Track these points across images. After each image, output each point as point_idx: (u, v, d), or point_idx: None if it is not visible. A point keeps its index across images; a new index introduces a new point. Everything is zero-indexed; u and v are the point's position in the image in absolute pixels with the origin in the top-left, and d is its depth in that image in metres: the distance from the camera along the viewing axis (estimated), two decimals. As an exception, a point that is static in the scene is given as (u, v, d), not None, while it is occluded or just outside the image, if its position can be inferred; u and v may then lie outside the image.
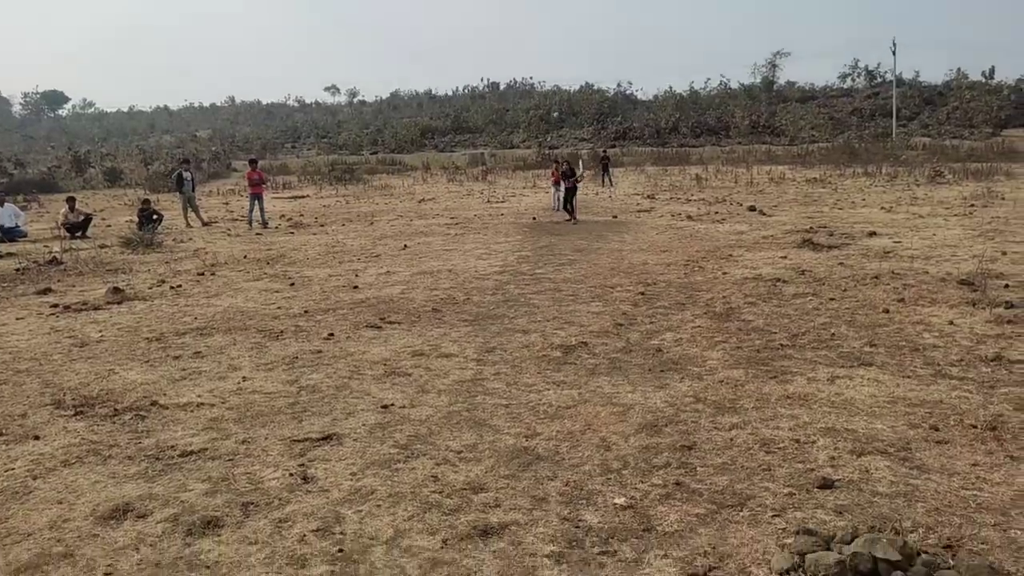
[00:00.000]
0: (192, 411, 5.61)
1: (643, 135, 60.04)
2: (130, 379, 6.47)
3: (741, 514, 3.90)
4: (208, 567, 3.49)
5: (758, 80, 79.36)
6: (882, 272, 10.66)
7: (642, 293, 9.70)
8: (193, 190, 20.11)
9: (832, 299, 9.06)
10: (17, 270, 12.54)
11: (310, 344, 7.47)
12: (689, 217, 19.00)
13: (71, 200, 18.41)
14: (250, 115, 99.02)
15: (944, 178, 29.97)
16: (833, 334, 7.45)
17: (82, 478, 4.49)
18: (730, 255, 12.69)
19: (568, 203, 19.12)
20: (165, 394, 6.02)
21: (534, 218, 20.02)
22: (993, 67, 74.25)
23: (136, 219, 18.29)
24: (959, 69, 76.95)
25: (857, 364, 6.46)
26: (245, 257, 13.64)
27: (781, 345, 7.12)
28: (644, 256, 12.84)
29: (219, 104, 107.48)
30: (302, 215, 22.04)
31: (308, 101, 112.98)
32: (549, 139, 62.67)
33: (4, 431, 5.23)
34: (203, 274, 11.87)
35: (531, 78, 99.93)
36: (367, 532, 3.78)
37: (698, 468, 4.48)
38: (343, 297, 9.84)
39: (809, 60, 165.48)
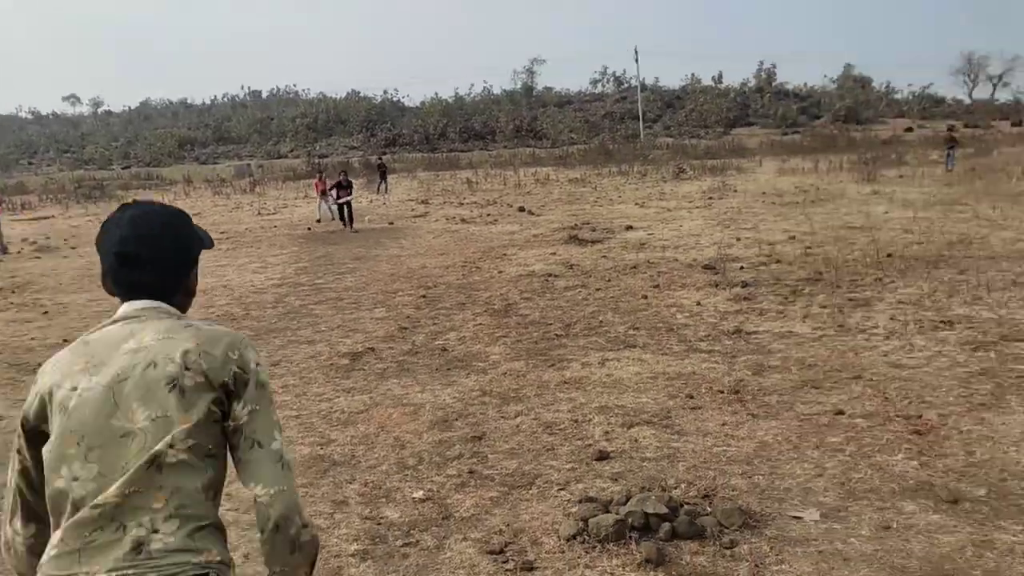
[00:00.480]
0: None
1: (413, 141, 60.65)
2: None
3: (530, 492, 4.22)
4: None
5: (519, 86, 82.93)
6: (639, 262, 11.66)
7: (423, 296, 9.94)
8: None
9: (599, 289, 9.80)
10: None
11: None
12: (463, 220, 19.55)
13: None
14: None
15: (686, 174, 32.99)
16: (601, 321, 8.10)
17: None
18: (504, 254, 13.28)
19: (343, 213, 19.03)
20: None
21: (309, 228, 19.68)
22: (721, 72, 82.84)
23: None
24: (692, 75, 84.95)
25: (623, 347, 7.10)
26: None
27: (556, 335, 7.64)
28: (423, 260, 13.11)
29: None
30: (48, 237, 20.12)
31: (44, 112, 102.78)
32: (318, 147, 61.53)
33: None
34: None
35: (295, 86, 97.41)
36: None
37: (489, 455, 4.76)
38: (107, 322, 9.18)
39: (563, 66, 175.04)
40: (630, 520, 3.69)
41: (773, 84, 79.47)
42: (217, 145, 69.93)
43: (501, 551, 3.61)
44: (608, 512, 3.81)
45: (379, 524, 3.96)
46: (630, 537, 3.62)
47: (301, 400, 6.00)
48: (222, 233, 18.81)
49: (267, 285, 11.37)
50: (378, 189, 30.57)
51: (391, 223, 20.01)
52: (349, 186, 19.53)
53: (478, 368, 6.67)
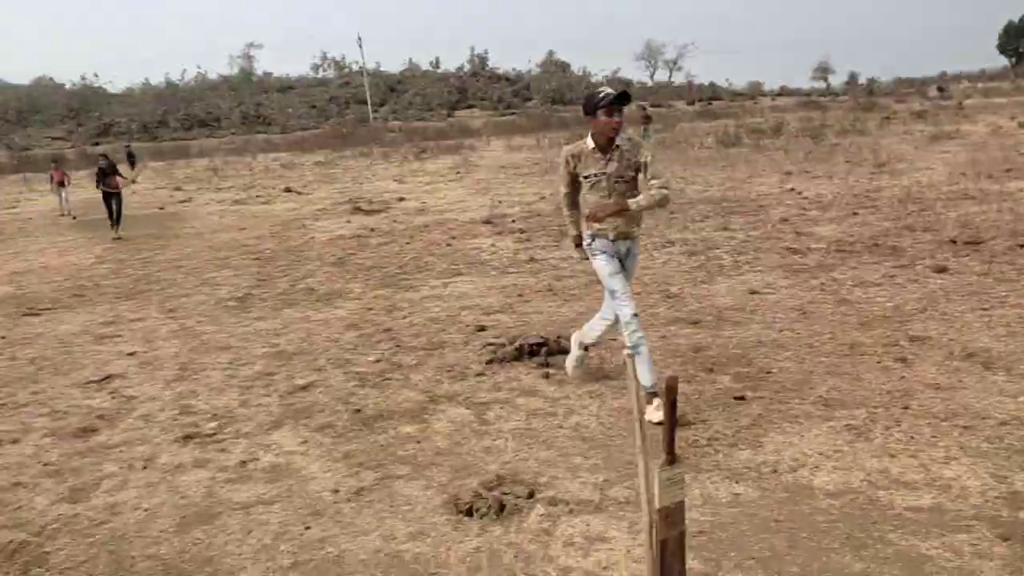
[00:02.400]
0: None
1: (130, 130, 57.33)
2: None
3: (445, 350, 6.37)
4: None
5: (236, 71, 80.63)
6: (428, 223, 13.93)
7: (257, 259, 11.45)
8: None
9: (407, 242, 11.95)
10: None
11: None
12: (236, 201, 20.51)
13: None
14: None
15: (427, 154, 35.60)
16: (426, 262, 10.29)
17: None
18: (303, 225, 14.89)
19: (111, 208, 15.23)
20: None
21: (74, 218, 19.52)
22: (439, 58, 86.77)
23: None
24: (410, 59, 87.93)
25: (453, 275, 9.36)
26: None
27: (396, 273, 9.71)
28: (229, 234, 14.34)
29: None
30: None
31: None
32: (17, 139, 56.01)
33: None
34: None
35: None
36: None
37: (402, 338, 6.82)
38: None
39: (281, 51, 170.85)
40: (523, 346, 6.02)
41: (486, 69, 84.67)
42: None
43: (451, 370, 5.79)
44: (506, 346, 6.11)
45: (356, 374, 5.93)
46: (526, 355, 5.96)
47: (223, 327, 7.58)
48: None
49: (90, 263, 12.12)
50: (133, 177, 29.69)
51: (161, 208, 20.41)
52: (114, 171, 15.49)
53: (351, 296, 8.60)
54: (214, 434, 4.95)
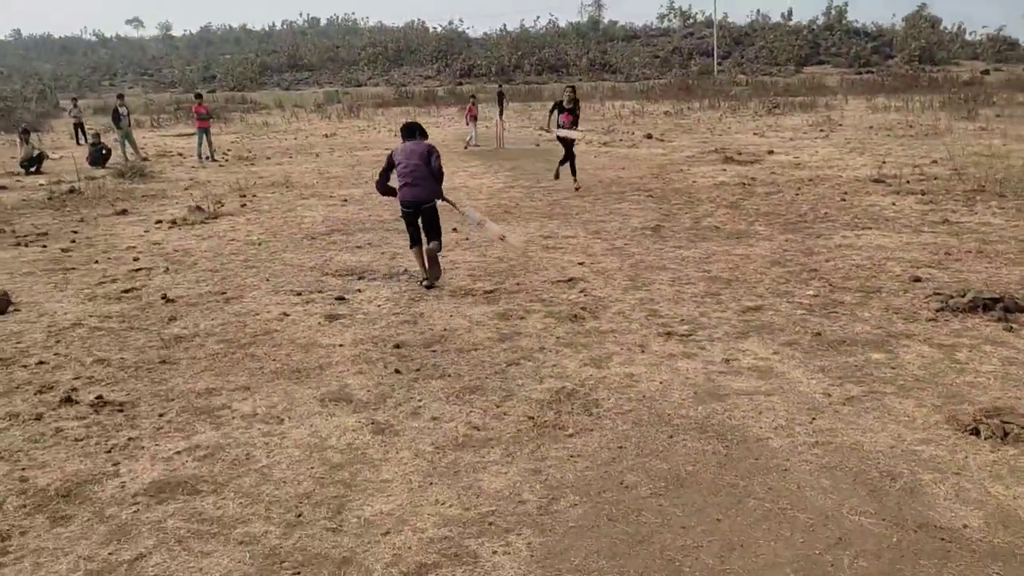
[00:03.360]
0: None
1: (489, 72, 62.09)
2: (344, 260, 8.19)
3: (880, 295, 6.52)
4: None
5: (585, 19, 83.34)
6: (808, 177, 13.78)
7: (650, 195, 12.21)
8: (129, 125, 20.29)
9: (797, 194, 12.00)
10: (49, 198, 13.13)
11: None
12: (604, 144, 21.68)
13: (25, 133, 18.23)
14: (43, 50, 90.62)
15: (779, 110, 34.50)
16: (825, 214, 10.32)
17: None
18: (681, 169, 15.47)
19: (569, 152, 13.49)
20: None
21: (497, 147, 21.90)
22: (791, 9, 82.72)
23: (88, 154, 18.51)
24: (759, 11, 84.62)
25: (862, 229, 9.34)
26: (254, 183, 14.77)
27: (797, 221, 9.88)
28: (612, 172, 15.36)
29: (3, 38, 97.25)
30: (227, 152, 22.55)
31: (108, 35, 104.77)
32: (395, 76, 63.28)
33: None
34: (244, 196, 13.07)
35: (353, 14, 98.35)
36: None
37: (833, 278, 7.07)
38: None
39: (629, 2, 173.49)
40: (978, 299, 6.01)
41: (843, 22, 78.95)
42: (292, 72, 71.88)
43: (899, 311, 5.96)
44: (956, 297, 6.13)
45: (800, 304, 6.31)
46: (980, 309, 5.94)
47: (650, 251, 8.36)
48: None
49: (499, 187, 13.71)
50: (500, 116, 32.55)
51: (537, 144, 22.21)
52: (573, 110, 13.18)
53: (761, 237, 8.97)
54: (689, 334, 5.65)
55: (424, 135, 7.36)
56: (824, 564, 3.00)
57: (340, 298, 6.77)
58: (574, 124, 13.19)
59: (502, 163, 17.49)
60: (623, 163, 16.93)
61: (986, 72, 58.74)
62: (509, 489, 3.62)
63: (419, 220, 7.06)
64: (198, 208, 11.32)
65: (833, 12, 79.41)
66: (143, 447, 4.12)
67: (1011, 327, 5.62)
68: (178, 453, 4.04)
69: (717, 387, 4.72)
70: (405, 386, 4.86)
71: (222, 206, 11.77)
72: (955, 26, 79.30)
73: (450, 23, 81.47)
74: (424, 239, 7.11)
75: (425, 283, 7.10)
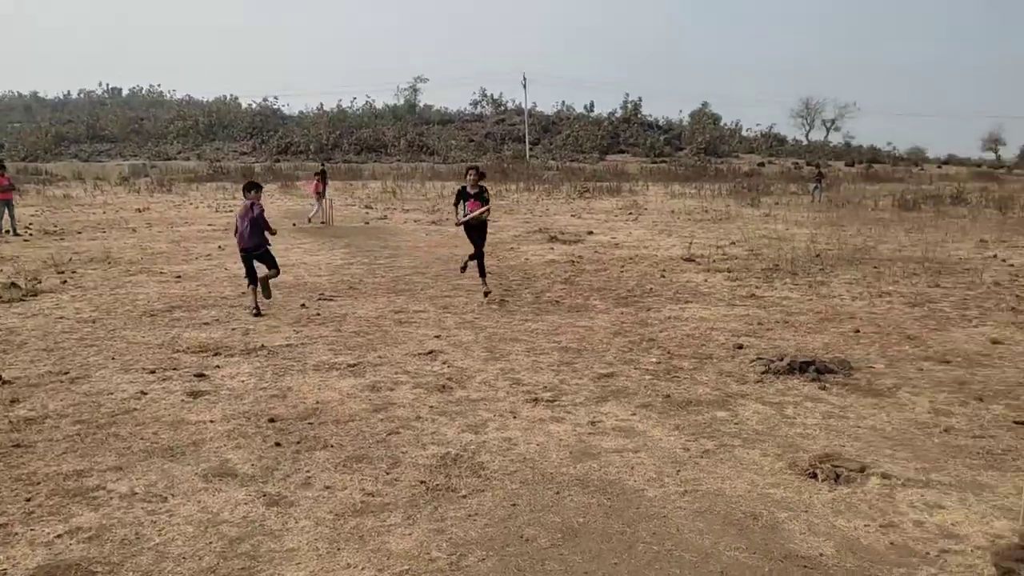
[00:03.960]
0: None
1: (307, 150, 61.76)
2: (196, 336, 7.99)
3: (712, 360, 7.29)
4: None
5: (401, 102, 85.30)
6: (628, 256, 14.93)
7: (489, 273, 12.74)
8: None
9: (622, 271, 12.98)
10: None
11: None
12: (433, 222, 22.25)
13: None
14: None
15: (589, 194, 36.84)
16: (649, 289, 11.27)
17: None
18: (511, 247, 16.24)
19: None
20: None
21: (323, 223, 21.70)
22: (593, 102, 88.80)
23: None
24: (563, 102, 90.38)
25: (684, 302, 10.29)
26: (70, 259, 13.89)
27: (627, 295, 10.72)
28: (446, 249, 15.82)
29: None
30: (29, 226, 20.93)
31: None
32: (208, 151, 61.43)
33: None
34: (63, 272, 12.28)
35: (159, 86, 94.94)
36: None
37: (669, 346, 7.79)
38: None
39: (438, 86, 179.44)
40: (795, 362, 6.87)
41: (638, 116, 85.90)
42: (92, 143, 67.95)
43: (731, 375, 6.69)
44: (777, 361, 6.97)
45: (646, 370, 6.92)
46: (797, 371, 6.80)
47: (499, 324, 8.78)
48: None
49: (340, 263, 13.78)
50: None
51: (366, 223, 22.41)
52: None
53: (598, 311, 9.66)
54: (554, 400, 6.05)
55: (257, 190, 9.54)
56: (713, 594, 3.39)
57: (199, 375, 6.61)
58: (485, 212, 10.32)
59: (334, 240, 17.53)
60: (455, 241, 17.45)
61: (762, 164, 65.80)
62: (417, 549, 3.76)
63: (253, 261, 9.27)
64: (13, 285, 10.52)
65: (629, 106, 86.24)
66: (16, 533, 3.89)
67: (824, 386, 6.46)
68: (59, 537, 3.85)
69: (589, 447, 5.10)
70: (289, 458, 4.87)
71: (40, 283, 11.00)
72: (734, 123, 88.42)
73: (265, 99, 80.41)
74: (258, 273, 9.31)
75: (253, 312, 9.13)
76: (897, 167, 70.00)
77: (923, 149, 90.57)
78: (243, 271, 9.61)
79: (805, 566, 3.62)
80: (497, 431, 5.37)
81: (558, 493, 4.40)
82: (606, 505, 4.24)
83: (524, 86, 73.42)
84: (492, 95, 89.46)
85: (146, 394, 6.10)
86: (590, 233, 19.32)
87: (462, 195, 10.26)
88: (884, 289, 11.22)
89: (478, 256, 10.32)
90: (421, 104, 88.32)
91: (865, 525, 4.03)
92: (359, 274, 12.54)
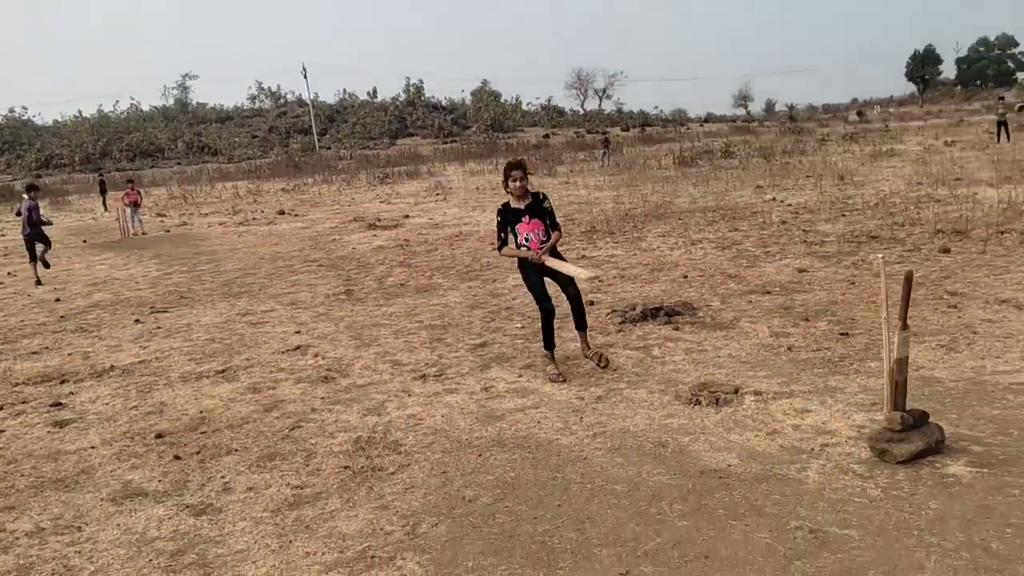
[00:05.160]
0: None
1: (73, 162, 56.68)
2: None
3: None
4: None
5: (171, 102, 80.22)
6: (455, 234, 15.25)
7: (321, 265, 12.58)
8: None
9: (453, 249, 13.26)
10: None
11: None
12: (240, 223, 21.41)
13: None
14: None
15: (390, 179, 36.77)
16: (487, 262, 11.62)
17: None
18: (334, 239, 16.03)
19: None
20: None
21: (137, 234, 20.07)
22: (375, 88, 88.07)
23: None
24: (345, 89, 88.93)
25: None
26: None
27: (467, 271, 11.00)
28: (266, 248, 15.37)
29: None
30: None
31: None
32: (-49, 172, 54.76)
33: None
34: None
35: None
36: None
37: (527, 311, 8.18)
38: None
39: (214, 84, 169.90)
40: (646, 310, 7.47)
41: (422, 98, 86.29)
42: None
43: (593, 329, 7.17)
44: (630, 311, 7.55)
45: (516, 335, 7.26)
46: (649, 317, 7.40)
47: (355, 312, 8.78)
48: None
49: (157, 275, 13.03)
50: (104, 204, 30.09)
51: (167, 231, 21.15)
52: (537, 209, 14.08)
53: (446, 287, 9.88)
54: (441, 374, 6.23)
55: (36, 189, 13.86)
56: (653, 515, 3.76)
57: (56, 404, 6.15)
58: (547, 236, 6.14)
59: (140, 252, 16.46)
60: (272, 239, 16.97)
61: (547, 136, 68.33)
62: (369, 527, 3.85)
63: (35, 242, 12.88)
64: None
65: (412, 89, 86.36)
66: (-78, 594, 3.55)
67: (677, 326, 7.09)
68: (-24, 587, 3.57)
69: (491, 411, 5.35)
70: (196, 469, 4.73)
71: None
72: (514, 99, 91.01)
73: (11, 110, 72.66)
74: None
75: (36, 282, 12.51)
76: (667, 128, 75.28)
77: (685, 110, 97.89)
78: (35, 282, 12.56)
79: (720, 477, 4.08)
80: (398, 410, 5.47)
81: (481, 455, 4.61)
82: (530, 458, 4.51)
83: (304, 76, 71.65)
84: (269, 88, 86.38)
85: (3, 432, 5.61)
86: (407, 217, 19.42)
87: (508, 218, 6.05)
88: (694, 238, 12.27)
89: (571, 301, 6.07)
90: (194, 103, 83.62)
91: (755, 435, 4.58)
92: (184, 282, 11.94)
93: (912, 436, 4.05)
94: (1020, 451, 4.07)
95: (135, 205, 20.77)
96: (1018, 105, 49.92)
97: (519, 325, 7.61)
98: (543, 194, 6.12)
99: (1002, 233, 10.12)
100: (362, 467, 4.55)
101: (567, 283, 5.98)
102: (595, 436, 4.76)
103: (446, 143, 64.70)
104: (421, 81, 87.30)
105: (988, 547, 3.21)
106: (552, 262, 5.95)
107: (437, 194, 26.45)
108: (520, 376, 6.04)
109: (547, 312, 5.91)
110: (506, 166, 5.99)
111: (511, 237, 6.06)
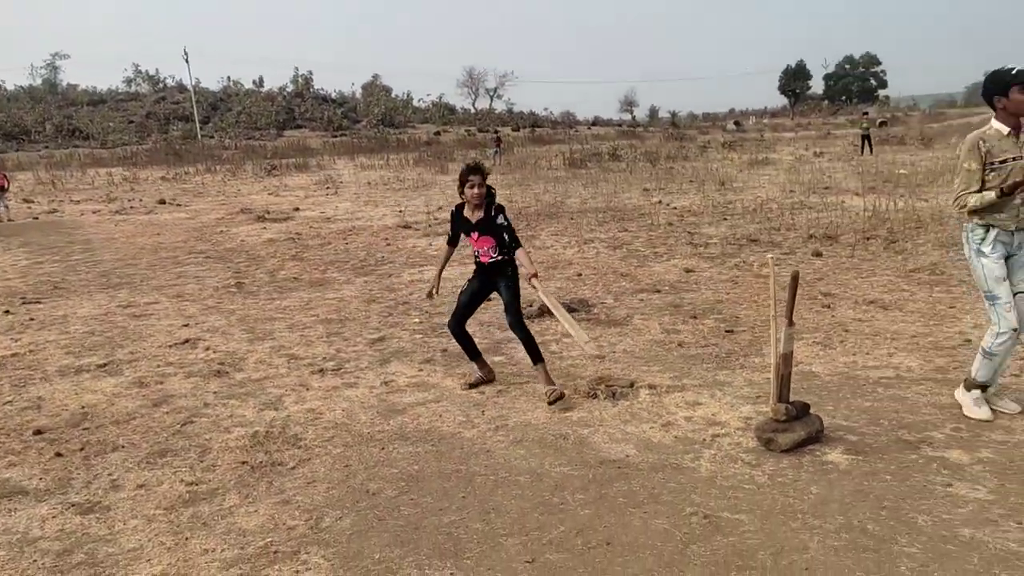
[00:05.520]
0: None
1: (-76, 141, 52.38)
2: None
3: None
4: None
5: (39, 82, 75.46)
6: (349, 228, 15.05)
7: (208, 257, 12.17)
8: None
9: (347, 243, 13.09)
10: None
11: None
12: (117, 212, 20.39)
13: None
14: None
15: (277, 171, 35.80)
16: (381, 257, 11.54)
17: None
18: (221, 230, 15.51)
19: None
20: None
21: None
22: (262, 77, 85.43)
23: None
24: (229, 77, 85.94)
25: (421, 266, 10.70)
26: None
27: (362, 265, 10.89)
28: (146, 239, 14.71)
29: None
30: None
31: None
32: None
33: None
34: None
35: None
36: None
37: (423, 307, 8.18)
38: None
39: (85, 65, 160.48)
40: (543, 307, 7.61)
41: (311, 90, 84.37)
42: None
43: (490, 325, 7.26)
44: (527, 308, 7.66)
45: (414, 331, 7.26)
46: (547, 313, 7.54)
47: (248, 306, 8.55)
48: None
49: (26, 264, 12.29)
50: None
51: (36, 217, 19.92)
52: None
53: (342, 282, 9.75)
54: (339, 368, 6.17)
55: None
56: (556, 504, 3.86)
57: (-82, 399, 5.72)
58: (503, 251, 5.42)
59: (6, 239, 15.42)
60: (153, 229, 16.27)
61: (438, 133, 68.15)
62: (271, 522, 3.78)
63: None
64: None
65: (300, 80, 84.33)
66: None
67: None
68: None
69: (392, 405, 5.34)
70: (80, 466, 4.51)
71: None
72: (405, 94, 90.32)
73: None
74: None
75: None
76: (556, 130, 76.44)
77: (574, 113, 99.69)
78: None
79: (619, 467, 4.23)
80: (297, 404, 5.38)
81: (383, 449, 4.60)
82: (433, 451, 4.54)
83: (186, 61, 68.80)
84: (147, 72, 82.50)
85: None
86: (297, 210, 19.00)
87: (460, 224, 5.51)
88: (586, 237, 12.56)
89: (512, 330, 5.40)
90: (64, 84, 78.91)
91: (650, 427, 4.76)
92: (57, 272, 11.29)
93: (795, 426, 4.31)
94: (890, 439, 4.39)
95: (1, 190, 19.42)
96: (880, 120, 53.37)
97: (417, 320, 7.60)
98: (499, 207, 5.37)
99: (868, 239, 10.83)
100: (261, 462, 4.46)
101: (505, 306, 5.35)
102: (497, 429, 4.83)
103: (336, 137, 63.49)
104: (310, 72, 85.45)
105: (865, 528, 3.46)
106: (549, 301, 5.31)
107: (328, 188, 25.98)
108: (420, 370, 6.05)
109: (450, 328, 5.66)
110: (463, 170, 5.32)
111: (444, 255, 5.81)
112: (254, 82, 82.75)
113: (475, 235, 5.39)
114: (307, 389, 5.69)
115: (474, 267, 5.55)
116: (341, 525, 3.72)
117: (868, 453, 4.22)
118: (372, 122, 72.19)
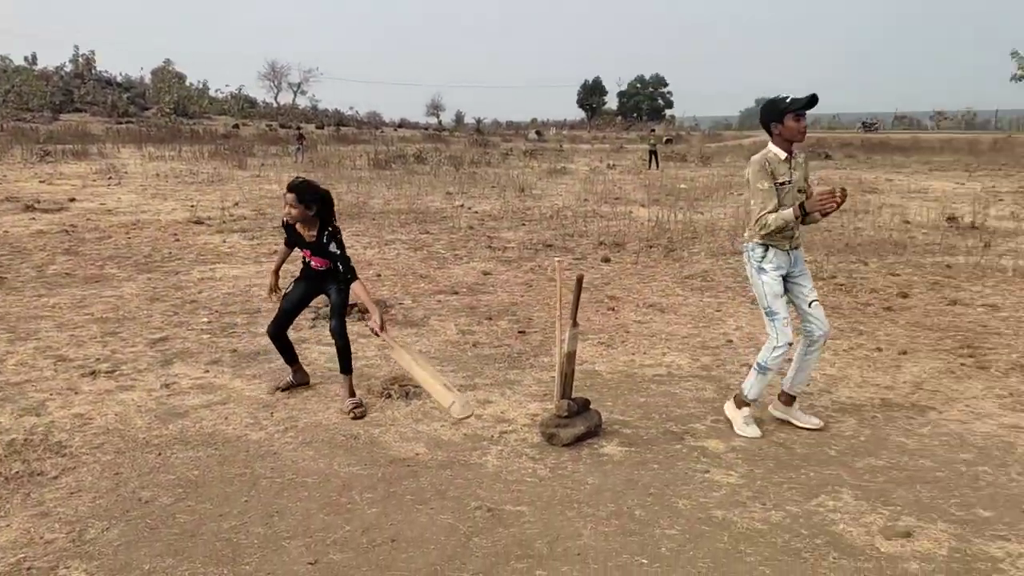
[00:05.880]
0: None
1: None
2: None
3: (259, 315, 7.58)
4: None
5: None
6: (132, 222, 14.06)
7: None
8: None
9: (129, 238, 12.22)
10: None
11: None
12: None
13: None
14: None
15: (51, 157, 32.74)
16: (169, 253, 10.88)
17: None
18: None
19: None
20: None
21: None
22: (35, 54, 77.64)
23: None
24: (-3, 54, 77.57)
25: (212, 264, 10.22)
26: None
27: (146, 261, 10.23)
28: None
29: None
30: None
31: None
32: None
33: None
34: None
35: None
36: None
37: (214, 306, 7.82)
38: None
39: None
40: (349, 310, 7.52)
41: (93, 72, 77.88)
42: None
43: (291, 324, 7.08)
44: (325, 307, 7.54)
45: (201, 330, 6.93)
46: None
47: (9, 303, 7.79)
48: None
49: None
50: None
51: None
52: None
53: (122, 279, 9.10)
54: (114, 370, 5.77)
55: None
56: (343, 504, 3.84)
57: None
58: (337, 266, 5.16)
59: None
60: None
61: (237, 126, 65.19)
62: (25, 536, 3.48)
63: None
64: None
65: (81, 60, 77.68)
66: None
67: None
68: None
69: (173, 408, 5.07)
70: None
71: None
72: (201, 83, 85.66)
73: None
74: None
75: None
76: (362, 129, 75.43)
77: (380, 113, 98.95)
78: None
79: (408, 465, 4.28)
80: (62, 409, 4.98)
81: (160, 454, 4.36)
82: (216, 455, 4.36)
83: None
84: None
85: None
86: (73, 200, 17.47)
87: (292, 236, 5.30)
88: (387, 238, 12.53)
89: (334, 333, 5.19)
90: None
91: (441, 426, 4.85)
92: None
93: (576, 421, 4.56)
94: (659, 432, 4.75)
95: None
96: (666, 138, 57.19)
97: (206, 320, 7.26)
98: (332, 233, 5.02)
99: (650, 247, 11.61)
100: (17, 472, 4.09)
101: (331, 308, 5.23)
102: (286, 431, 4.72)
103: (121, 123, 58.90)
104: (92, 52, 78.63)
105: (633, 514, 3.73)
106: (404, 359, 4.90)
107: (110, 178, 24.11)
108: (206, 372, 5.79)
109: (269, 333, 5.41)
110: (289, 185, 5.00)
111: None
112: (26, 59, 75.17)
113: (308, 252, 5.17)
114: (76, 393, 5.28)
115: (302, 267, 5.29)
116: (108, 536, 3.50)
117: (640, 445, 4.55)
118: (163, 110, 67.73)
